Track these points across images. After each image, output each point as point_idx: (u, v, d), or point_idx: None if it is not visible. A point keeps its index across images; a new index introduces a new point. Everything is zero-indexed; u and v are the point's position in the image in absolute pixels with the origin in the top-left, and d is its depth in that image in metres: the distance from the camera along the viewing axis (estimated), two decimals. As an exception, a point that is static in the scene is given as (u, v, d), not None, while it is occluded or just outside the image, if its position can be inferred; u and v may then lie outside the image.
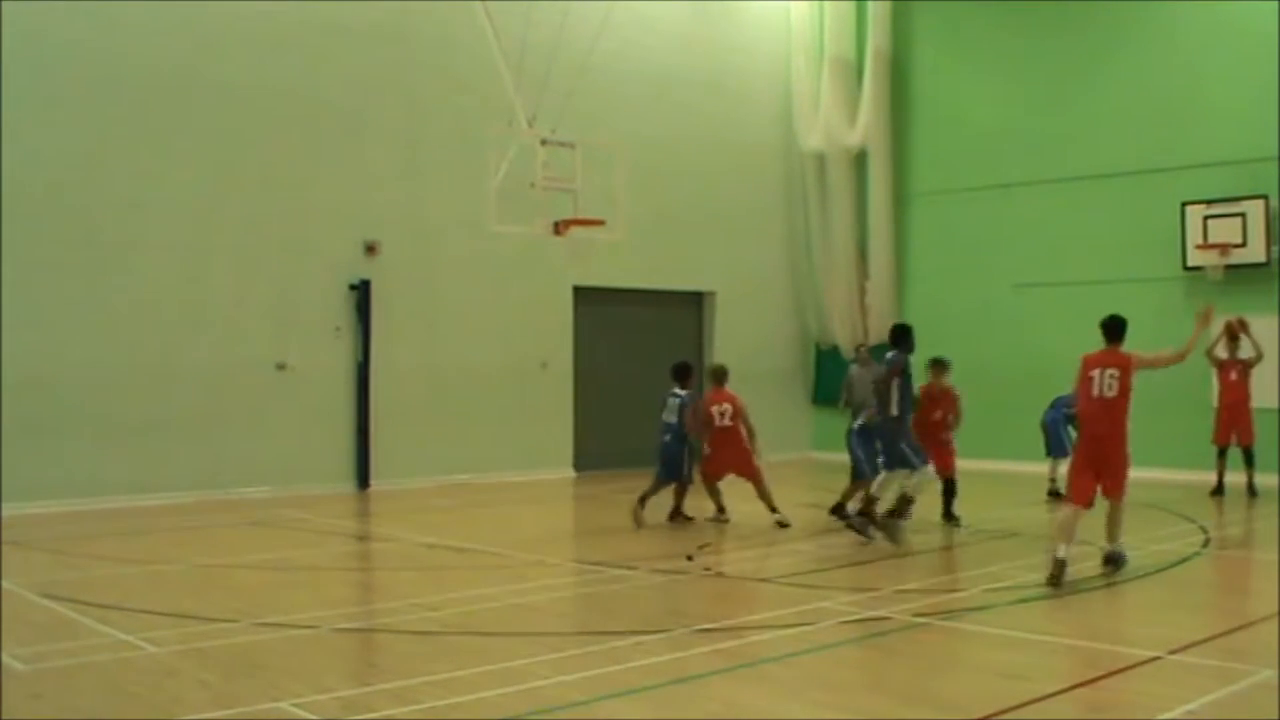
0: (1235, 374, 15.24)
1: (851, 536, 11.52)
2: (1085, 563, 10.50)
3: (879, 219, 21.30)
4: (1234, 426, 15.19)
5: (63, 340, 14.63)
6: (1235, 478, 15.33)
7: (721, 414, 13.05)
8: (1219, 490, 15.20)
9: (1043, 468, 14.94)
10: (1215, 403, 15.52)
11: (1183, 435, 16.12)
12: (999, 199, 19.95)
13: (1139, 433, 9.61)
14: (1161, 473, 15.57)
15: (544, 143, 14.13)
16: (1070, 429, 13.69)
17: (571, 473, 19.00)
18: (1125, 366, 9.46)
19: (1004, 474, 16.95)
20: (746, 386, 16.50)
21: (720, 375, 13.68)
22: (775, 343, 21.35)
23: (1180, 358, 9.95)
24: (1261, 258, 17.00)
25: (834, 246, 21.70)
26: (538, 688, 6.51)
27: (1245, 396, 15.18)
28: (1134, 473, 10.86)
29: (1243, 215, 17.11)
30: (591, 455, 19.17)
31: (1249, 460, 15.14)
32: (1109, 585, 9.47)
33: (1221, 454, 15.33)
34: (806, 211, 22.06)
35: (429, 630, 8.02)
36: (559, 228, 14.50)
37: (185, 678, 6.77)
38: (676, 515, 13.26)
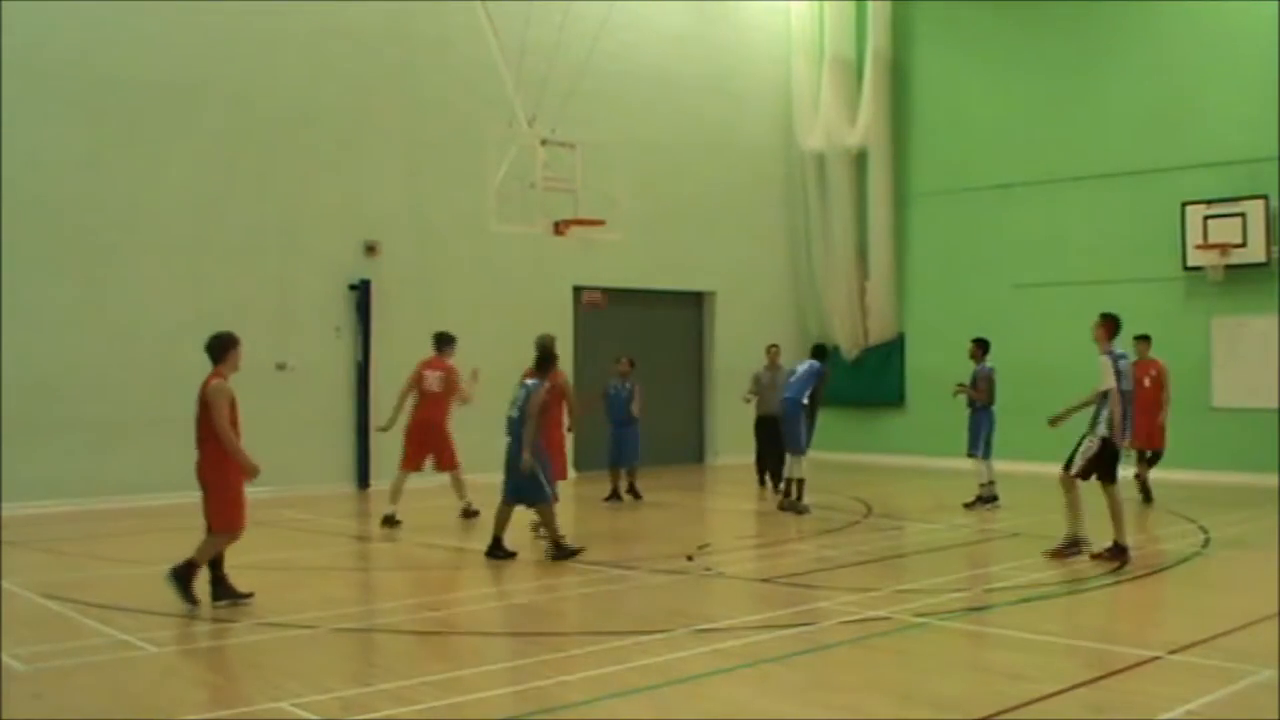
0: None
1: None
2: (1084, 562, 10.50)
3: (879, 219, 21.30)
4: None
5: (63, 341, 14.63)
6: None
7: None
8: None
9: (1045, 468, 14.76)
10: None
11: (1183, 436, 16.09)
12: (999, 199, 19.95)
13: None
14: (1161, 473, 15.51)
15: (544, 143, 14.13)
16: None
17: (572, 473, 18.92)
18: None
19: (1004, 474, 16.90)
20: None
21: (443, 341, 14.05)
22: (775, 343, 21.27)
23: None
24: (1261, 258, 16.99)
25: (834, 246, 21.70)
26: (538, 688, 6.52)
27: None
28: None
29: (1243, 215, 17.11)
30: (591, 455, 19.13)
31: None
32: (1109, 585, 9.47)
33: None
34: (806, 211, 22.06)
35: (429, 630, 8.02)
36: (559, 228, 14.51)
37: (185, 678, 6.77)
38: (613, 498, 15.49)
